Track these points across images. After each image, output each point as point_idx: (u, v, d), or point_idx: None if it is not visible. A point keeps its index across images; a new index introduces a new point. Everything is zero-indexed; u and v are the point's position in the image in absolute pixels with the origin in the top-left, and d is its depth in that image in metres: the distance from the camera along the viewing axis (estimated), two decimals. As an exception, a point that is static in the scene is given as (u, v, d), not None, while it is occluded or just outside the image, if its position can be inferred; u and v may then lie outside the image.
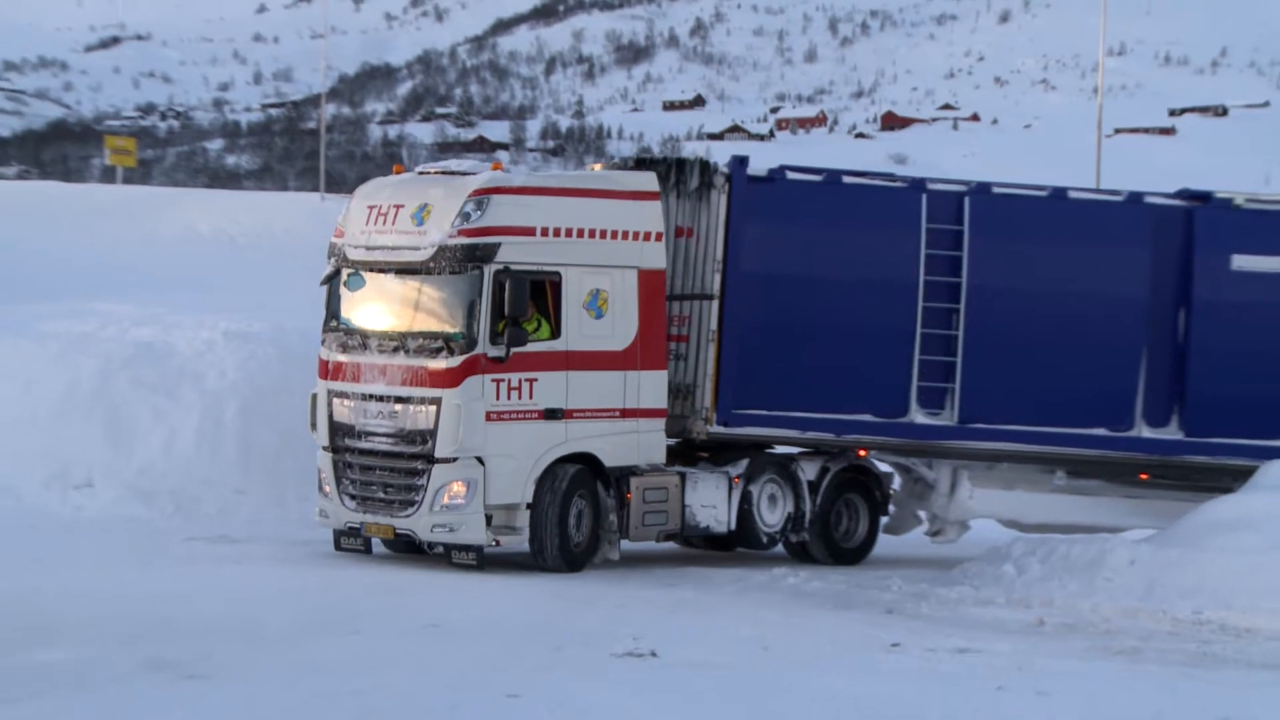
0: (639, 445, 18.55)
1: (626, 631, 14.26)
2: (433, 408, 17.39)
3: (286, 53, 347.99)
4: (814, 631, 15.34)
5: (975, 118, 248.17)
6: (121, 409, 22.24)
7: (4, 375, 22.64)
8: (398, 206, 17.97)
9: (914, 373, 19.78)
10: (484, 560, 17.63)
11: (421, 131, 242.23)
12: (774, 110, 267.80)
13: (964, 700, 12.29)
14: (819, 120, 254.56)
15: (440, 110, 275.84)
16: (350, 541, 18.27)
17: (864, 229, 19.82)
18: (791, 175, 19.84)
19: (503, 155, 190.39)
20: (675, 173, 19.39)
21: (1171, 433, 20.57)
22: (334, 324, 18.40)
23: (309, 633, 13.97)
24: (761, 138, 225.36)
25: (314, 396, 18.46)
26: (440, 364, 17.39)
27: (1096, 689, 13.06)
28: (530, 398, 17.70)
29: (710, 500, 19.15)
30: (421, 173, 18.87)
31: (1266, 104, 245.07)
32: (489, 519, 17.52)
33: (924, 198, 19.92)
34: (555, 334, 17.91)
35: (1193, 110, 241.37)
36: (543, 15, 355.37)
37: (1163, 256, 20.49)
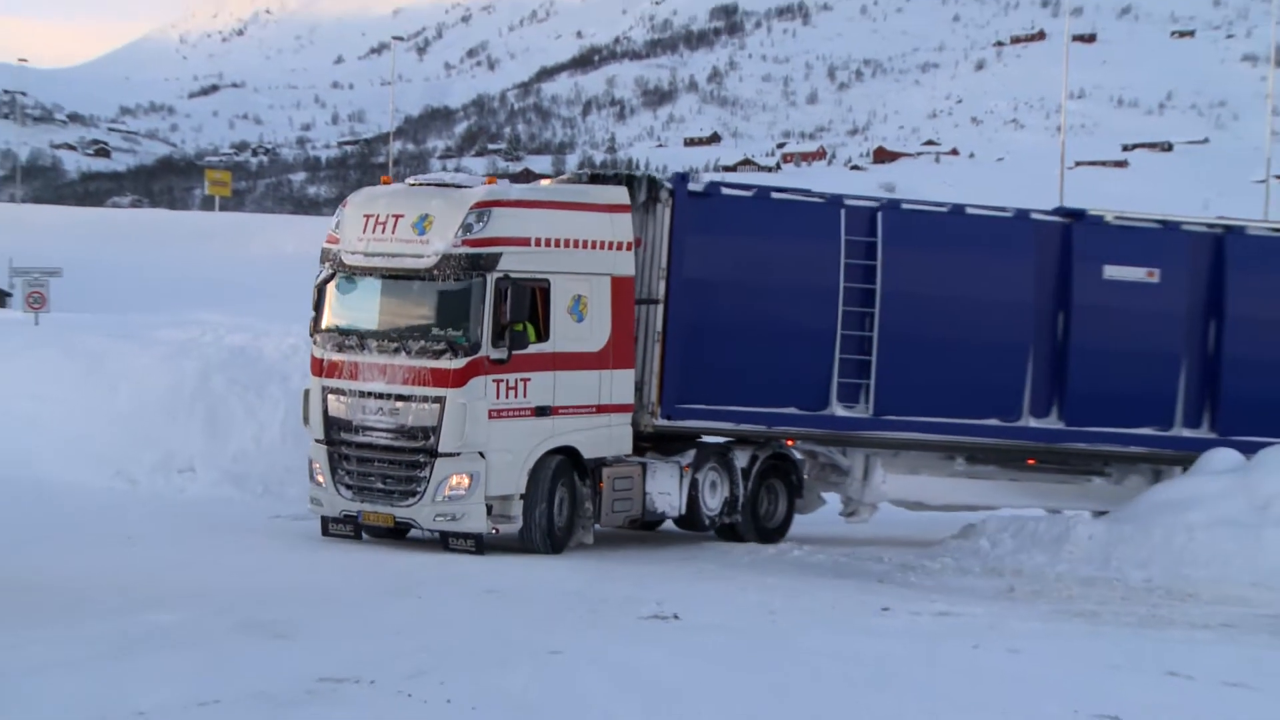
0: (610, 438, 17.87)
1: (652, 597, 14.24)
2: (435, 406, 16.47)
3: (360, 98, 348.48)
4: (815, 597, 15.28)
5: (955, 152, 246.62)
6: (218, 405, 22.31)
7: (119, 375, 22.77)
8: (397, 216, 16.89)
9: (834, 370, 19.24)
10: (483, 546, 16.78)
11: (475, 165, 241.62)
12: (780, 145, 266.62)
13: (945, 656, 12.27)
14: (819, 154, 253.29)
15: (492, 146, 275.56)
16: (339, 528, 17.30)
17: (791, 240, 19.24)
18: (726, 191, 19.33)
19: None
20: (627, 188, 18.57)
21: (1053, 422, 20.14)
22: (328, 324, 17.36)
23: (379, 598, 13.97)
24: (769, 169, 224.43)
25: (306, 392, 17.50)
26: (444, 365, 16.45)
27: (1060, 646, 13.01)
28: (524, 396, 16.88)
29: (666, 488, 18.58)
30: (413, 184, 17.62)
31: (1206, 141, 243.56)
32: (489, 508, 16.73)
33: (843, 212, 19.43)
34: (543, 337, 17.07)
35: (1142, 146, 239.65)
36: (580, 64, 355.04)
37: (1045, 266, 20.07)
